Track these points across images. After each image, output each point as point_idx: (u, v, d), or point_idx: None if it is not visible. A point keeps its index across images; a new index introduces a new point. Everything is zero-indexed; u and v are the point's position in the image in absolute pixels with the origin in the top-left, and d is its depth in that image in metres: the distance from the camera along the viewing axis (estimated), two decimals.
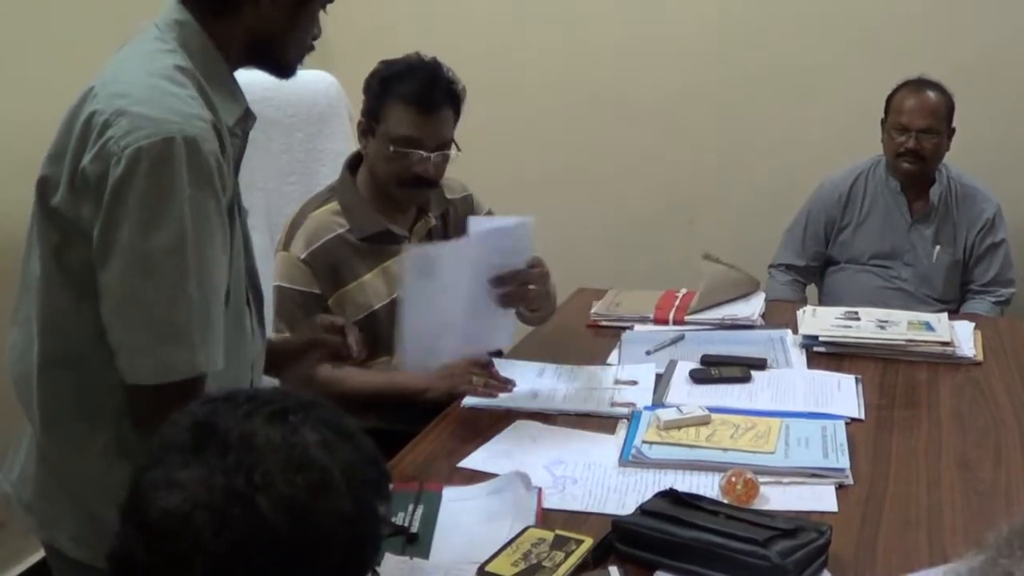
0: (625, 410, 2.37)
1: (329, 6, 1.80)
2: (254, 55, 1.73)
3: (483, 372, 2.41)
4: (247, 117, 1.77)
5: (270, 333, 2.40)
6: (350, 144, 3.39)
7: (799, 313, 2.97)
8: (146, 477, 1.04)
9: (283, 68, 1.78)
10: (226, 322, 1.68)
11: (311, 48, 1.80)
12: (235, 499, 1.01)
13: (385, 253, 2.55)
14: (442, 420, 2.36)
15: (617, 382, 2.53)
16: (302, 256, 2.49)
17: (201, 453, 1.03)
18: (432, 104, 2.47)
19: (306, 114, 3.34)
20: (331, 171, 3.32)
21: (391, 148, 2.47)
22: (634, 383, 2.52)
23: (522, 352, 2.79)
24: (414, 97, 2.46)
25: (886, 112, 3.51)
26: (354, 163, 2.62)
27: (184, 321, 1.56)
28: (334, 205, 2.56)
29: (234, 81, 1.72)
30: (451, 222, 2.69)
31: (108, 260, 1.54)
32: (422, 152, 2.48)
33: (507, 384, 2.40)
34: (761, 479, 1.97)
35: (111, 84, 1.60)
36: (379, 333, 2.52)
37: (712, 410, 2.28)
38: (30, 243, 1.70)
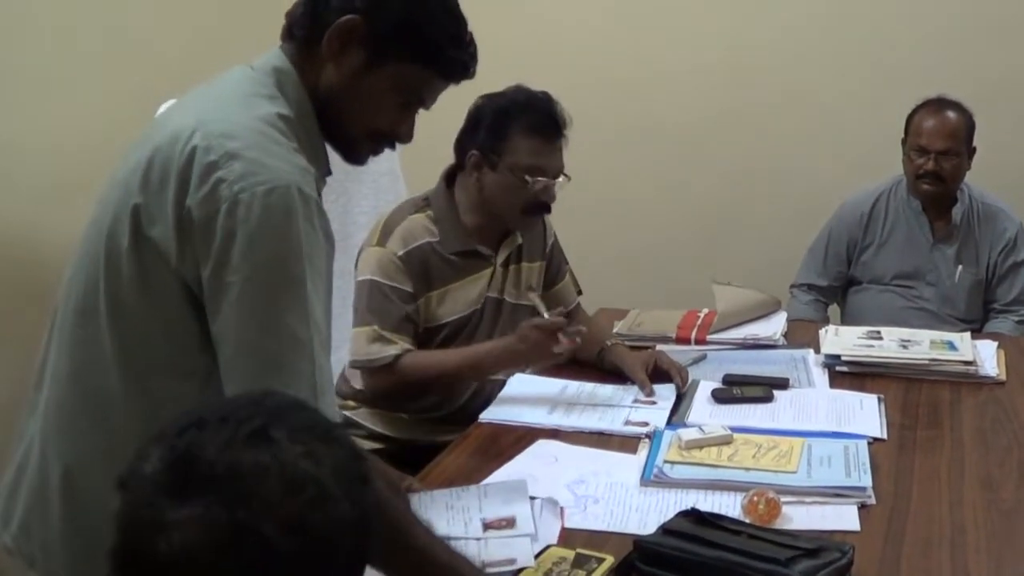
0: (639, 430, 2.38)
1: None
2: (321, 119, 1.66)
3: (555, 335, 2.47)
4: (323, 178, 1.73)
5: (355, 326, 2.56)
6: (393, 164, 3.40)
7: (821, 332, 2.97)
8: (137, 520, 1.02)
9: (345, 143, 1.70)
10: None
11: (386, 140, 1.72)
12: (240, 531, 0.99)
13: (471, 268, 2.66)
14: (464, 438, 2.38)
15: (636, 401, 2.54)
16: (400, 253, 2.57)
17: (191, 489, 1.00)
18: (555, 133, 2.59)
19: None
20: (371, 191, 3.33)
21: (524, 177, 2.56)
22: (653, 402, 2.53)
23: (544, 368, 2.81)
24: (540, 128, 2.57)
25: (906, 133, 3.51)
26: (450, 176, 2.69)
27: (304, 370, 1.50)
28: (430, 213, 2.63)
29: (321, 141, 1.68)
30: (526, 243, 2.78)
31: (221, 305, 1.49)
32: (548, 180, 2.59)
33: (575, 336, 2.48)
34: (783, 498, 1.97)
35: (215, 123, 1.54)
36: (472, 332, 2.66)
37: (734, 430, 2.28)
38: (86, 264, 1.62)
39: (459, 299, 2.65)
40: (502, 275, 2.72)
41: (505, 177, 2.57)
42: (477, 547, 1.88)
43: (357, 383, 2.67)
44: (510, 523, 1.95)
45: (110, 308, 1.59)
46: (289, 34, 1.67)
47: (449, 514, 1.97)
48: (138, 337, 1.59)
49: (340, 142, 1.70)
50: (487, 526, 1.94)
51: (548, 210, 2.67)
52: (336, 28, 1.60)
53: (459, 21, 1.69)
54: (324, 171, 1.71)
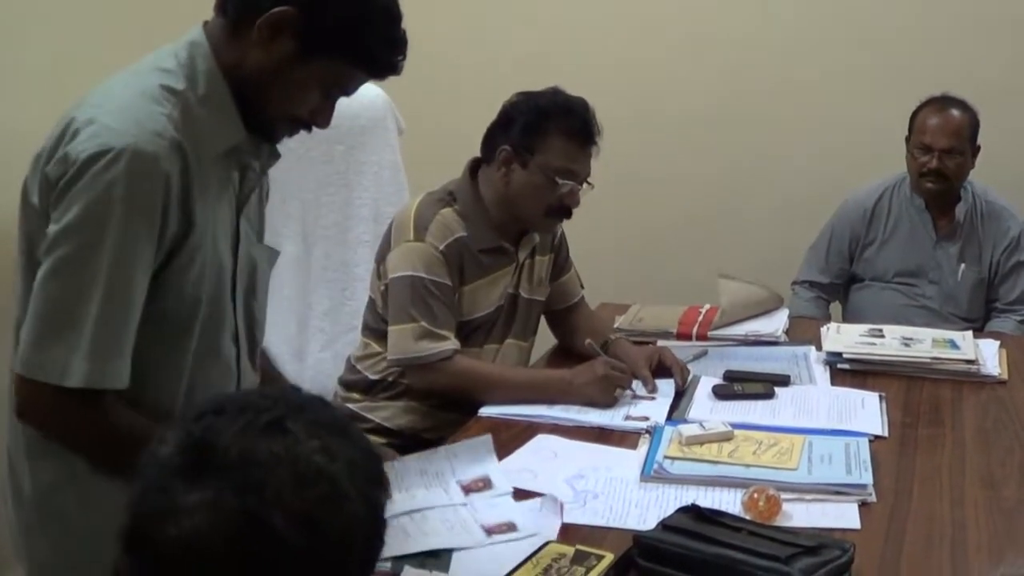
0: (639, 425, 2.37)
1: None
2: (241, 96, 1.65)
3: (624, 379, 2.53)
4: (260, 152, 1.73)
5: (395, 323, 2.54)
6: (395, 156, 3.39)
7: (823, 330, 2.96)
8: (147, 503, 1.01)
9: (261, 124, 1.69)
10: (196, 352, 1.67)
11: (303, 125, 1.71)
12: (249, 520, 0.99)
13: (496, 265, 2.66)
14: (464, 432, 2.36)
15: (636, 396, 2.53)
16: (441, 247, 2.56)
17: (203, 474, 1.00)
18: (591, 139, 2.60)
19: (348, 125, 3.24)
20: (372, 183, 3.32)
21: (555, 178, 2.56)
22: (652, 397, 2.52)
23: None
24: (577, 132, 2.58)
25: (910, 130, 3.50)
26: (473, 169, 2.68)
27: (80, 328, 1.52)
28: (457, 208, 2.62)
29: (235, 116, 1.66)
30: (538, 240, 2.78)
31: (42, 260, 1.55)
32: (575, 184, 2.60)
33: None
34: (784, 496, 1.96)
35: (95, 94, 1.60)
36: (490, 329, 2.69)
37: (735, 426, 2.27)
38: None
39: (486, 296, 2.65)
40: (520, 271, 2.73)
41: (535, 176, 2.57)
42: (467, 512, 1.92)
43: (372, 374, 2.67)
44: (486, 483, 2.01)
45: (20, 289, 1.63)
46: (222, 9, 1.66)
47: (424, 479, 2.00)
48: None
49: (259, 123, 1.69)
50: (466, 489, 1.98)
51: (569, 215, 2.66)
52: (269, 16, 1.59)
53: (395, 22, 1.67)
54: (246, 146, 1.70)
